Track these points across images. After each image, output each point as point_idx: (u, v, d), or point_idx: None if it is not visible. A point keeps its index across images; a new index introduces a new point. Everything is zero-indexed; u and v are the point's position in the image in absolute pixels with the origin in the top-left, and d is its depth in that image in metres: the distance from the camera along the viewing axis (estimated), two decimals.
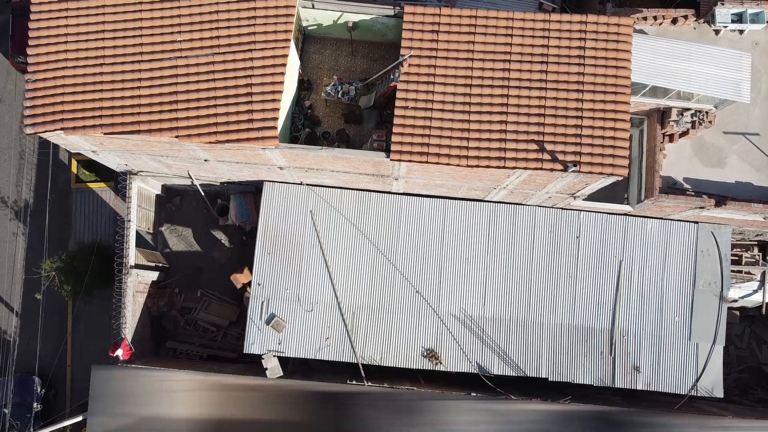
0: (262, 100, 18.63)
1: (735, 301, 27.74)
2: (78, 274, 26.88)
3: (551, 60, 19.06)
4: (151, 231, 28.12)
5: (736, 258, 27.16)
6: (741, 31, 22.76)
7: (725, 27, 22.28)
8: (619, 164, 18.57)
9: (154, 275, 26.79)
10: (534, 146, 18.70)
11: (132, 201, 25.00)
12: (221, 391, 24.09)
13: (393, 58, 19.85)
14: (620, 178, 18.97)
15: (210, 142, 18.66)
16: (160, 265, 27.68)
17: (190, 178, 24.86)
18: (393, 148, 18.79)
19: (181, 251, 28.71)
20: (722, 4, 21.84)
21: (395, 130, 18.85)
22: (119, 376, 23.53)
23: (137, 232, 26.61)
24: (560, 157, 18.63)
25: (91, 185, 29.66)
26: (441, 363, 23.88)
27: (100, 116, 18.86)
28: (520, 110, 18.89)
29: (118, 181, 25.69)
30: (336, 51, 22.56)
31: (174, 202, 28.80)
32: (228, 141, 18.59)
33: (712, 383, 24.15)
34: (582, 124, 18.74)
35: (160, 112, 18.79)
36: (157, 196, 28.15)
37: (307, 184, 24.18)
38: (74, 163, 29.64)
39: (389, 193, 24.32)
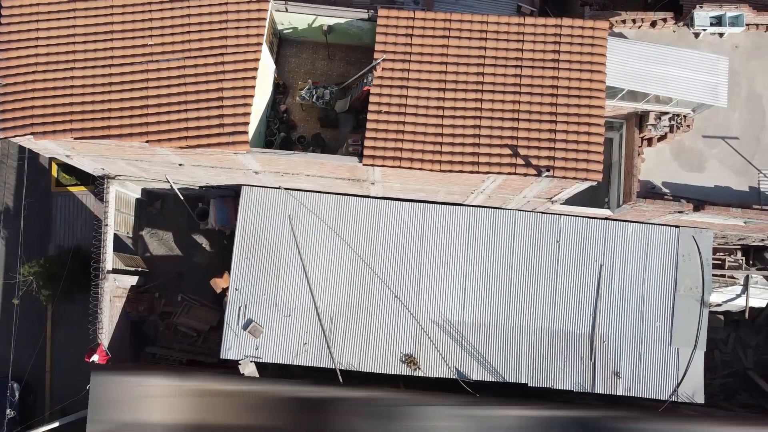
0: (233, 105, 18.46)
1: (719, 305, 27.60)
2: (57, 279, 26.72)
3: (525, 64, 18.90)
4: (131, 235, 27.95)
5: (719, 262, 27.03)
6: (721, 35, 22.64)
7: (704, 30, 22.16)
8: (593, 169, 18.41)
9: (133, 280, 26.62)
10: (507, 151, 18.54)
11: (109, 205, 24.83)
12: (201, 396, 23.94)
13: (370, 62, 19.68)
14: (595, 183, 18.82)
15: (180, 147, 18.50)
16: (140, 269, 27.50)
17: (168, 182, 24.71)
18: (365, 152, 18.64)
19: (161, 255, 28.53)
20: (701, 8, 21.72)
21: (368, 134, 18.69)
22: (109, 380, 23.40)
23: (117, 237, 26.47)
24: (534, 161, 18.47)
25: (72, 189, 29.50)
26: (419, 368, 23.71)
27: (71, 121, 18.70)
28: (493, 114, 18.74)
29: (96, 185, 25.53)
30: (313, 54, 22.42)
31: (155, 206, 28.62)
32: (199, 146, 18.44)
33: (693, 389, 23.93)
34: (556, 128, 18.58)
35: (131, 116, 18.62)
36: (137, 200, 27.98)
37: (285, 189, 24.02)
38: (54, 167, 29.51)
39: (368, 197, 24.16)
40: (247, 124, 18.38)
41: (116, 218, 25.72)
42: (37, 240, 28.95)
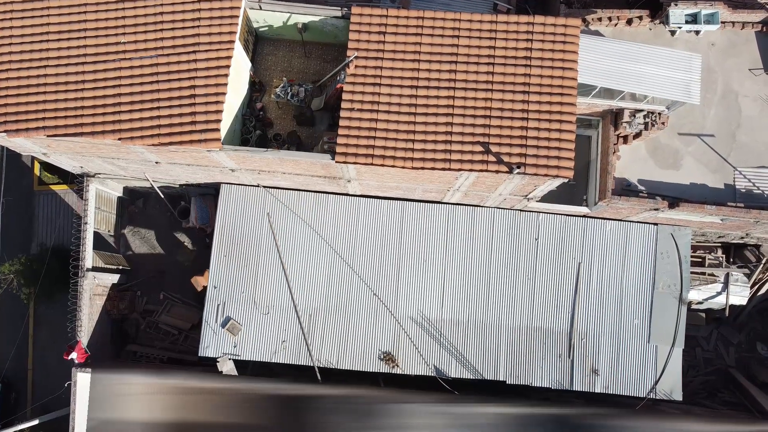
0: (206, 102, 18.49)
1: (700, 303, 27.60)
2: (38, 277, 26.74)
3: (498, 61, 18.93)
4: (113, 233, 27.97)
5: (699, 260, 27.04)
6: (697, 32, 22.68)
7: (680, 28, 22.19)
8: (564, 166, 18.43)
9: (114, 278, 26.63)
10: (479, 148, 18.58)
11: (89, 203, 24.87)
12: (181, 394, 24.00)
13: (346, 59, 19.72)
14: (566, 180, 18.85)
15: (153, 145, 18.53)
16: (122, 267, 27.52)
17: (148, 180, 24.73)
18: (338, 150, 18.67)
19: (144, 254, 28.55)
20: (675, 5, 21.74)
21: (341, 132, 18.72)
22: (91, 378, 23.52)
23: (99, 235, 26.52)
24: (505, 158, 18.50)
25: (54, 188, 29.52)
26: (398, 366, 23.74)
27: (43, 118, 18.73)
28: (465, 112, 18.76)
29: (76, 183, 25.55)
30: (289, 52, 22.44)
31: (137, 205, 28.65)
32: (171, 143, 18.46)
33: (672, 386, 23.97)
34: (528, 125, 18.60)
35: (104, 114, 18.66)
36: (119, 198, 28.00)
37: (264, 187, 24.05)
38: (37, 166, 29.53)
39: (346, 195, 24.20)
40: (219, 121, 18.41)
41: (97, 216, 25.76)
42: (19, 238, 28.96)
